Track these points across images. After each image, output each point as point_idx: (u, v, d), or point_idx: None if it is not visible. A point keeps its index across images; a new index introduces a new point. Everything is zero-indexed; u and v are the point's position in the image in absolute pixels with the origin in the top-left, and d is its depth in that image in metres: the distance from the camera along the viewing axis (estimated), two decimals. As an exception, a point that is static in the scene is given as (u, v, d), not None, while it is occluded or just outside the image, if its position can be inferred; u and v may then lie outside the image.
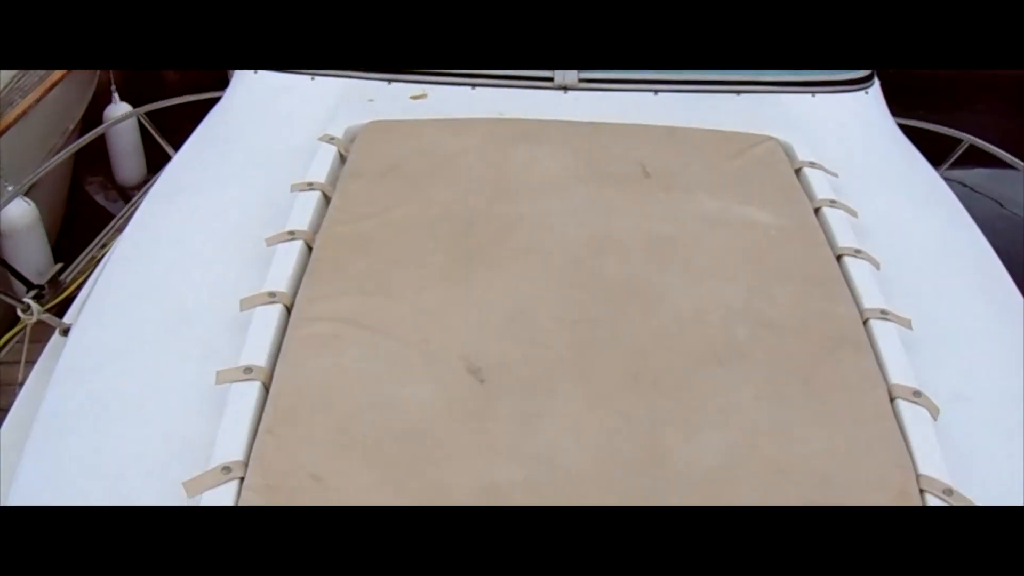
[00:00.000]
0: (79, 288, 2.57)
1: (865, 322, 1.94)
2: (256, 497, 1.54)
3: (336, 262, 2.01)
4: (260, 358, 1.78)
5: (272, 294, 1.91)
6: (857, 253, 2.13)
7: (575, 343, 1.84)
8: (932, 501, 1.61)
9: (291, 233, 2.09)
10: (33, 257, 3.95)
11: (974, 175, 4.20)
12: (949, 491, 1.62)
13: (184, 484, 1.58)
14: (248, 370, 1.75)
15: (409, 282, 1.97)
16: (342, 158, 2.41)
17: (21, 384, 2.23)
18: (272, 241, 2.07)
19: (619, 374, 1.78)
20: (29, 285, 3.18)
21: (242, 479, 1.58)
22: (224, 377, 1.75)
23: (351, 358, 1.78)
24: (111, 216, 3.70)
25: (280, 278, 1.96)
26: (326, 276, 1.97)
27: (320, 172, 2.32)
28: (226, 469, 1.59)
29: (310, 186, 2.25)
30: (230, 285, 1.98)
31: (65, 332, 2.20)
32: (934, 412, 1.77)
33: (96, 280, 2.31)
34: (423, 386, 1.74)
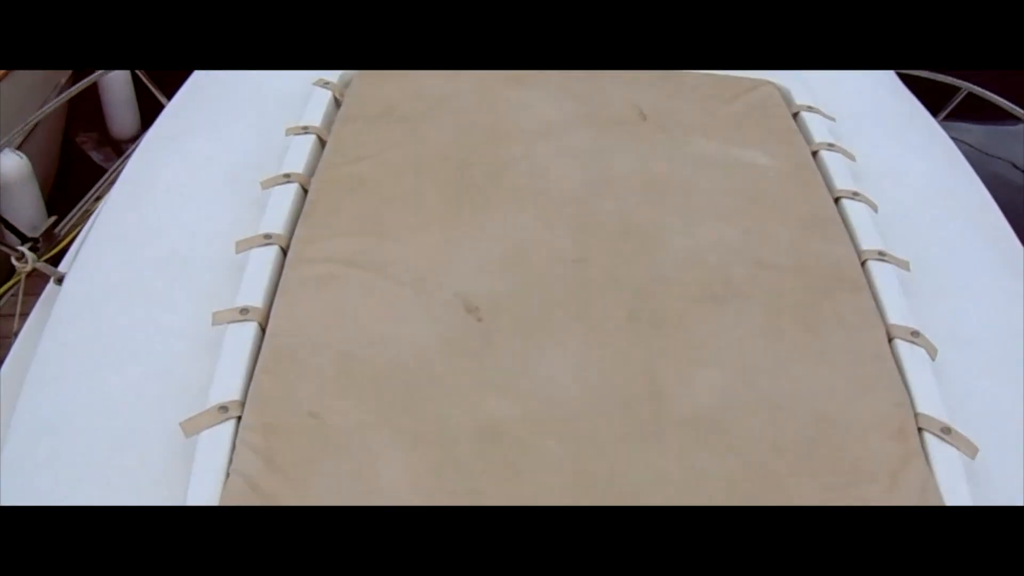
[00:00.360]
0: (73, 241, 2.55)
1: (863, 263, 1.94)
2: (253, 436, 1.54)
3: (332, 204, 2.00)
4: (256, 299, 1.77)
5: (268, 236, 1.90)
6: (855, 196, 2.12)
7: (572, 282, 1.84)
8: (930, 439, 1.62)
9: (286, 176, 2.08)
10: (27, 211, 3.92)
11: (972, 132, 4.18)
12: (947, 429, 1.63)
13: (181, 424, 1.58)
14: (244, 311, 1.74)
15: (405, 223, 1.96)
16: (337, 102, 2.39)
17: (17, 334, 2.23)
18: (267, 184, 2.06)
19: (616, 312, 1.78)
20: (23, 238, 3.17)
21: (239, 418, 1.58)
22: (220, 318, 1.74)
23: (348, 298, 1.78)
24: (104, 170, 3.67)
25: (276, 220, 1.95)
26: (322, 218, 1.96)
27: (315, 116, 2.30)
28: (223, 408, 1.59)
29: (305, 130, 2.24)
30: (225, 228, 1.97)
31: (59, 281, 2.19)
32: (932, 352, 1.78)
33: (90, 228, 2.29)
34: (420, 325, 1.73)
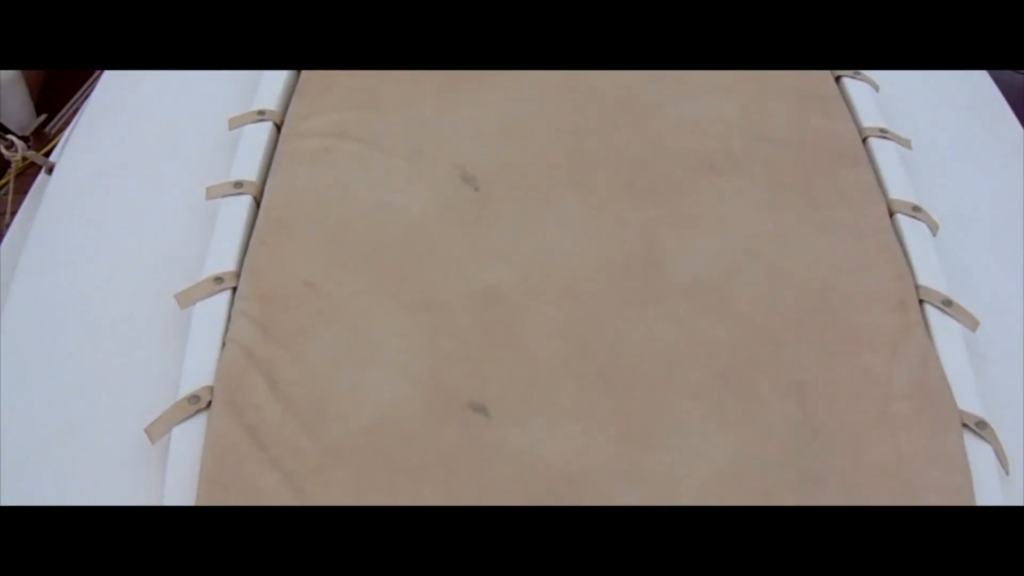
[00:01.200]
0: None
1: (864, 140, 1.91)
2: (249, 306, 1.53)
3: (326, 80, 1.96)
4: (251, 173, 1.75)
5: (261, 112, 1.88)
6: (856, 74, 2.09)
7: (570, 152, 1.82)
8: (931, 311, 1.61)
9: None
10: (16, 113, 3.85)
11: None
12: (948, 302, 1.62)
13: (176, 296, 1.57)
14: (238, 184, 1.72)
15: (401, 96, 1.93)
16: None
17: (8, 225, 2.21)
18: None
19: (615, 181, 1.76)
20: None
21: (234, 289, 1.57)
22: (214, 192, 1.72)
23: (343, 169, 1.75)
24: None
25: (269, 97, 1.92)
26: (316, 94, 1.93)
27: None
28: (218, 280, 1.58)
29: None
30: (218, 107, 1.94)
31: (50, 171, 2.16)
32: (933, 228, 1.76)
33: (81, 115, 2.26)
34: (417, 194, 1.72)
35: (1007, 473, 1.48)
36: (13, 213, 2.35)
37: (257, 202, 1.71)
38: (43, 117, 3.37)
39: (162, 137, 1.95)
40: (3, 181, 3.21)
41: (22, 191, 2.47)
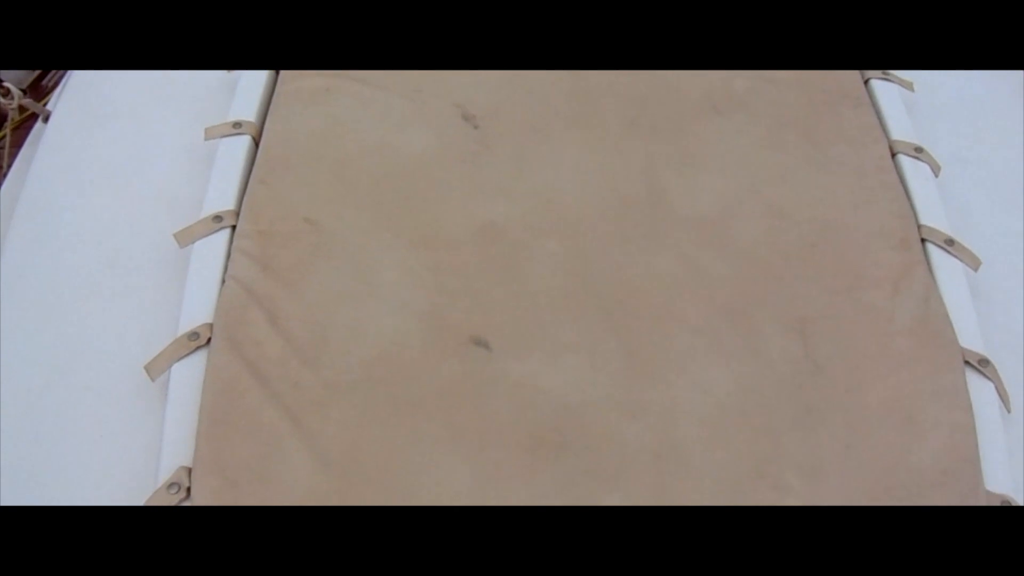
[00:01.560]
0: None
1: (866, 81, 1.90)
2: (248, 244, 1.52)
3: None
4: (249, 113, 1.74)
5: None
6: None
7: (570, 91, 1.80)
8: (933, 250, 1.61)
9: None
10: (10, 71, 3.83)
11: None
12: (950, 241, 1.62)
13: (175, 235, 1.56)
14: (237, 124, 1.71)
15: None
16: None
17: (5, 175, 2.19)
18: None
19: (616, 119, 1.75)
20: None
21: (233, 227, 1.56)
22: (212, 132, 1.71)
23: (343, 108, 1.74)
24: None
25: None
26: None
27: None
28: (217, 218, 1.57)
29: None
30: None
31: (47, 119, 2.14)
32: (935, 168, 1.75)
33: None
34: (417, 132, 1.70)
35: (1008, 411, 1.48)
36: (10, 167, 2.34)
37: (256, 142, 1.70)
38: (38, 72, 3.33)
39: (159, 80, 1.93)
40: (0, 134, 3.19)
41: (17, 144, 2.45)
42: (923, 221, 1.65)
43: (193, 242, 1.55)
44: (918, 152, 1.76)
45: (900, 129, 1.80)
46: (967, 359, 1.48)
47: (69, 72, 2.25)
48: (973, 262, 1.62)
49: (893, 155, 1.76)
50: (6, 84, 2.38)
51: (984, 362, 1.48)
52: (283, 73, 1.82)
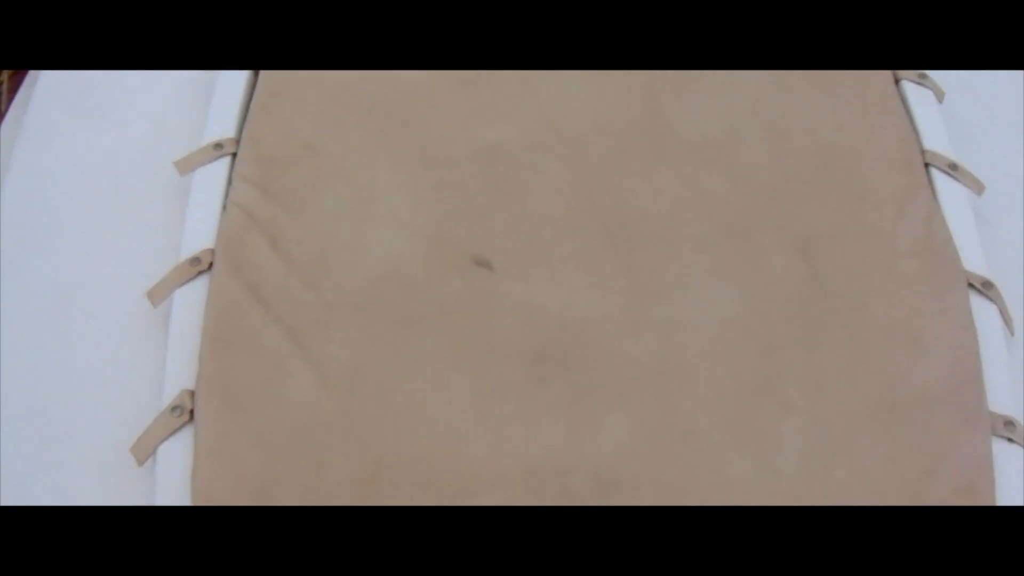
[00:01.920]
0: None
1: None
2: (249, 170, 1.52)
3: None
4: None
5: None
6: None
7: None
8: (937, 174, 1.60)
9: None
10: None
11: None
12: (954, 165, 1.61)
13: (175, 163, 1.56)
14: None
15: None
16: None
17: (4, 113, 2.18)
18: None
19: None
20: None
21: (234, 155, 1.56)
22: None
23: None
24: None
25: None
26: None
27: None
28: (218, 146, 1.56)
29: None
30: None
31: None
32: (939, 95, 1.74)
33: None
34: None
35: (1012, 333, 1.48)
36: (10, 104, 2.32)
37: (255, 71, 1.69)
38: None
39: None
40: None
41: (13, 91, 2.44)
42: (927, 146, 1.64)
43: (193, 170, 1.54)
44: (921, 77, 1.74)
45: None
46: (971, 282, 1.47)
47: None
48: (977, 186, 1.61)
49: (896, 81, 1.74)
50: None
51: (988, 285, 1.48)
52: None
